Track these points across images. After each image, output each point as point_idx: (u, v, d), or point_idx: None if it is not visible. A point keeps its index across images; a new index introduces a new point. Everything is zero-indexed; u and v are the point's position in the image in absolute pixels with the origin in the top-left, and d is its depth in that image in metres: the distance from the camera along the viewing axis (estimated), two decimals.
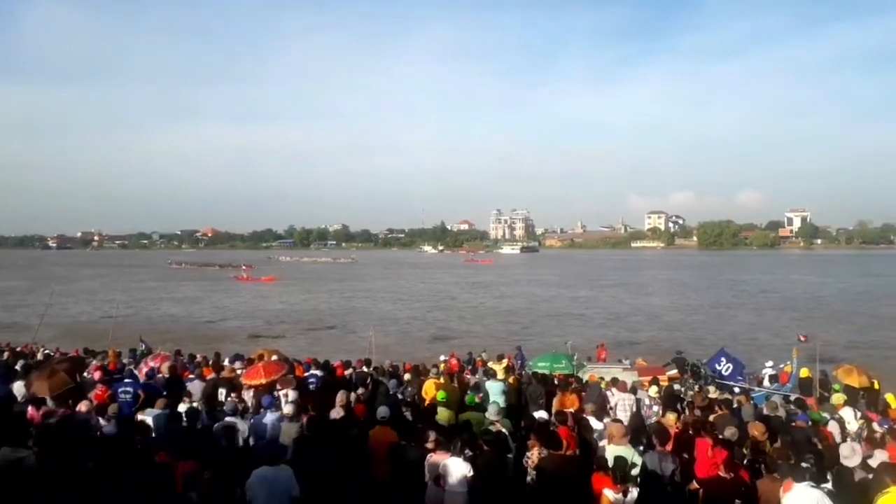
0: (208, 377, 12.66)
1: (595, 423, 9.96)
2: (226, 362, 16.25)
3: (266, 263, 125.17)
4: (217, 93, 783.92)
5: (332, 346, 29.99)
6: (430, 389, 12.12)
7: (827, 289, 68.73)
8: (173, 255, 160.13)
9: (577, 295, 62.85)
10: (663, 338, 33.34)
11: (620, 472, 7.11)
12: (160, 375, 12.70)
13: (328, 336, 37.23)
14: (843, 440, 9.91)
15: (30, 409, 9.15)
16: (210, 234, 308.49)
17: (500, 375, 14.87)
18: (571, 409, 10.93)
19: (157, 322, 42.55)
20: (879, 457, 7.88)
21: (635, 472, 7.62)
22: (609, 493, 6.95)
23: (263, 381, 11.37)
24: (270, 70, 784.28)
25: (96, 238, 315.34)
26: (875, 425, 11.15)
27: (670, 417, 10.12)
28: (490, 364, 17.97)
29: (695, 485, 7.91)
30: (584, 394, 12.61)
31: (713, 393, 14.11)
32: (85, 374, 12.70)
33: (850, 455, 7.80)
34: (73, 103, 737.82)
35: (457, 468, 7.44)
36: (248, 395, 11.66)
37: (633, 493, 6.96)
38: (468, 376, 16.10)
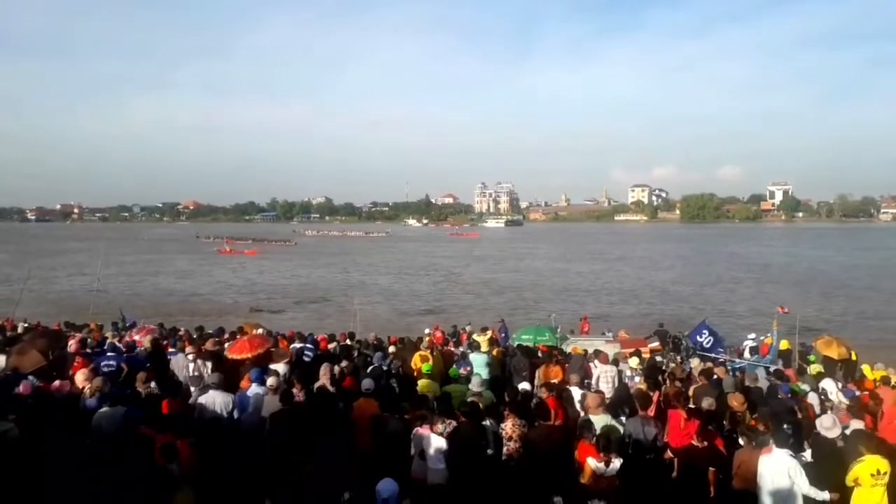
0: (188, 351, 12.52)
1: (577, 394, 10.07)
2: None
3: (292, 237, 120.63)
4: (195, 65, 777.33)
5: (336, 319, 29.46)
6: (418, 361, 12.18)
7: (832, 262, 68.58)
8: (203, 229, 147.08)
9: (584, 269, 62.39)
10: (684, 313, 33.26)
11: (604, 441, 7.15)
12: (141, 349, 12.62)
13: (328, 309, 36.97)
14: (824, 412, 10.06)
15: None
16: (192, 207, 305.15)
17: (484, 348, 14.98)
18: (555, 381, 11.03)
19: (151, 296, 42.33)
20: (855, 426, 8.01)
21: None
22: (592, 462, 7.01)
23: (249, 354, 11.29)
24: (249, 43, 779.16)
25: (76, 210, 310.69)
26: (842, 395, 11.35)
27: (642, 387, 10.25)
28: (474, 336, 18.07)
29: (669, 454, 8.03)
30: (566, 366, 12.71)
31: (696, 365, 14.27)
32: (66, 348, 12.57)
33: (831, 426, 7.90)
34: (49, 75, 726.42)
35: (442, 443, 7.48)
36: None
37: (616, 463, 6.95)
38: (452, 349, 16.18)
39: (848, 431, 7.94)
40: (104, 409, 7.68)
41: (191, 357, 11.57)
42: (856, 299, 40.74)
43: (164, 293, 44.66)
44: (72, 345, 12.76)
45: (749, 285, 48.97)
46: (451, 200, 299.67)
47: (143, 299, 39.80)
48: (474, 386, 9.67)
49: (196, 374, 10.83)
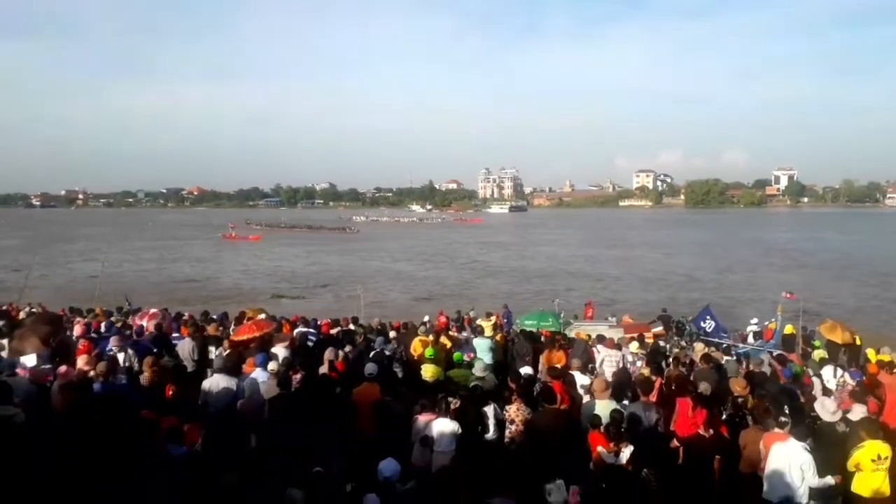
0: (186, 335, 12.53)
1: (580, 379, 10.10)
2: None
3: (350, 224, 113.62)
4: (195, 49, 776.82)
5: (356, 305, 29.06)
6: (418, 347, 12.23)
7: (860, 248, 66.88)
8: (251, 216, 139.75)
9: (610, 255, 61.48)
10: (721, 302, 32.03)
11: (614, 430, 7.14)
12: (148, 333, 12.67)
13: (346, 295, 35.85)
14: (825, 396, 10.06)
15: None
16: (196, 193, 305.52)
17: (488, 333, 15.01)
18: (558, 366, 11.05)
19: (168, 282, 42.57)
20: (858, 411, 8.02)
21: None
22: (602, 451, 7.02)
23: (248, 336, 11.35)
24: (250, 26, 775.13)
25: (81, 196, 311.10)
26: (848, 377, 11.36)
27: (645, 372, 10.30)
28: (478, 321, 18.10)
29: (675, 442, 8.05)
30: (569, 351, 12.73)
31: (700, 349, 14.27)
32: (69, 333, 12.61)
33: (834, 410, 7.94)
34: (50, 59, 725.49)
35: (445, 427, 7.50)
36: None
37: (626, 452, 6.94)
38: (456, 333, 16.21)
39: (850, 416, 7.96)
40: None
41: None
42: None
43: (181, 279, 44.82)
44: (76, 329, 12.82)
45: (786, 272, 47.30)
46: (454, 186, 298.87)
47: (160, 286, 39.91)
48: (477, 371, 9.71)
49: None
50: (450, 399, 8.03)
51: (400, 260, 59.60)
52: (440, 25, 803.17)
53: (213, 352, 11.60)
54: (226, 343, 11.44)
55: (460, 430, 7.53)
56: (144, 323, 14.36)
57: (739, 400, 8.93)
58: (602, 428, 7.31)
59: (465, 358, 11.52)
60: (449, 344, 13.04)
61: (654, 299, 32.44)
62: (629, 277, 45.81)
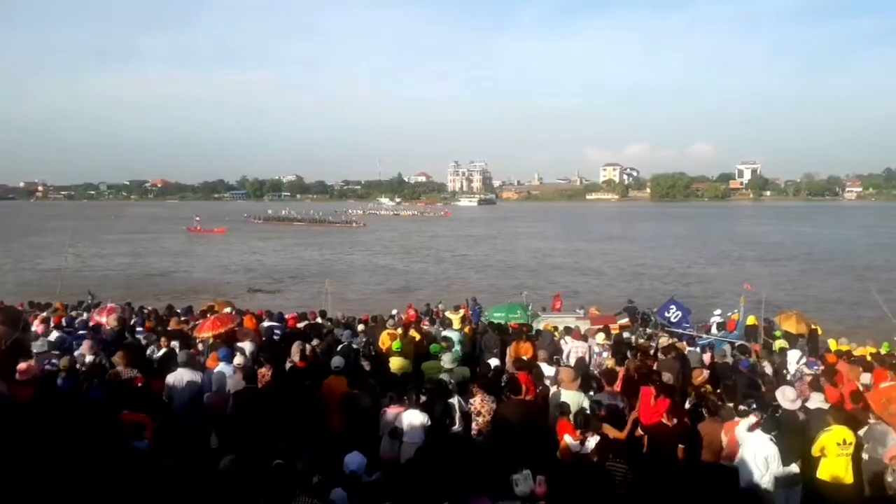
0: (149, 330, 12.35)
1: (546, 370, 10.19)
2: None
3: (353, 218, 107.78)
4: (158, 37, 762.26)
5: (329, 299, 28.74)
6: (386, 340, 12.22)
7: (836, 241, 67.60)
8: (250, 208, 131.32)
9: (589, 248, 61.10)
10: (702, 293, 32.51)
11: (580, 419, 7.21)
12: (108, 328, 12.45)
13: (322, 290, 35.58)
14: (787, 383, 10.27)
15: None
16: (160, 185, 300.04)
17: (457, 325, 15.07)
18: (525, 357, 11.14)
19: (139, 276, 41.44)
20: (816, 399, 8.21)
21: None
22: (568, 439, 7.09)
23: (211, 333, 11.19)
24: (216, 13, 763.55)
25: (40, 188, 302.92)
26: (805, 367, 11.62)
27: (609, 363, 10.42)
28: (447, 314, 18.15)
29: (639, 431, 8.16)
30: (536, 342, 12.83)
31: (664, 340, 14.47)
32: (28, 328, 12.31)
33: (794, 398, 8.10)
34: (3, 46, 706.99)
35: (414, 419, 7.50)
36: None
37: (591, 441, 7.02)
38: (426, 327, 16.23)
39: (808, 404, 8.13)
40: None
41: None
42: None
43: (154, 273, 43.64)
44: (37, 325, 12.56)
45: (768, 265, 47.36)
46: (424, 179, 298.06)
47: (130, 279, 39.06)
48: (445, 362, 9.74)
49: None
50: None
51: (379, 253, 58.51)
52: (409, 16, 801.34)
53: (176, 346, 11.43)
54: (162, 341, 11.14)
55: (430, 422, 7.54)
56: (104, 319, 14.08)
57: (702, 390, 9.07)
58: (570, 417, 7.37)
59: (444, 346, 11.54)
60: (418, 337, 13.07)
61: (637, 292, 32.51)
62: (612, 271, 45.68)
